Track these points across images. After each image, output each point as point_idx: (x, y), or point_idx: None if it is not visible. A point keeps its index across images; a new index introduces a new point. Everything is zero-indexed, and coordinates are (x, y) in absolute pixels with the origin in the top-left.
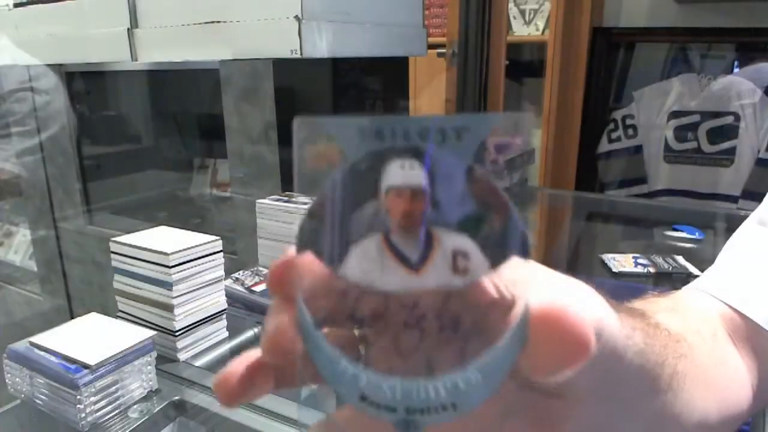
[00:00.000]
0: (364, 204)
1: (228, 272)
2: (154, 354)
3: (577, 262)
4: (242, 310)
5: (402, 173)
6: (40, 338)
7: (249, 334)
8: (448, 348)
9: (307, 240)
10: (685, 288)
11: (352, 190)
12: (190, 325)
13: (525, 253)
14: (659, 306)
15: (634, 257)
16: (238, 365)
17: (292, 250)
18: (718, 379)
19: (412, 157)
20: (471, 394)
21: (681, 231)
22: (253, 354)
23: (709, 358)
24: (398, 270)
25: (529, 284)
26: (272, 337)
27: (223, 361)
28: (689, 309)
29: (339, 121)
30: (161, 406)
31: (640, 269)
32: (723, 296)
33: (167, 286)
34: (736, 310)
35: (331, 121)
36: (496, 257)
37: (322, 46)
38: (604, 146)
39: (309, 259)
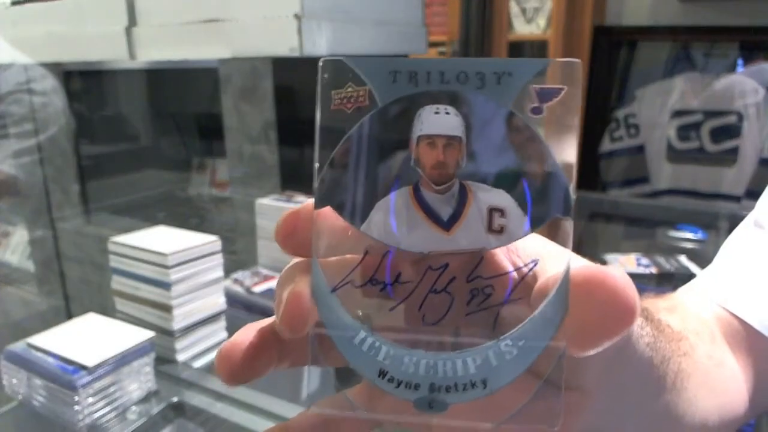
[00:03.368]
0: (393, 153)
1: (227, 272)
2: (153, 355)
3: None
4: (241, 310)
5: (436, 119)
6: (37, 339)
7: None
8: (479, 318)
9: (327, 192)
10: (680, 290)
11: (380, 137)
12: (189, 325)
13: (567, 212)
14: (657, 306)
15: (636, 257)
16: (243, 336)
17: (309, 202)
18: (717, 381)
19: (448, 103)
20: (504, 370)
21: (684, 231)
22: (258, 324)
23: (708, 360)
24: (428, 228)
25: (564, 253)
26: (288, 304)
27: None
28: (687, 311)
29: (370, 62)
30: (160, 408)
31: (642, 269)
32: (721, 300)
33: (166, 286)
34: (733, 315)
35: (361, 61)
36: (537, 215)
37: (321, 44)
38: (606, 145)
39: (328, 213)
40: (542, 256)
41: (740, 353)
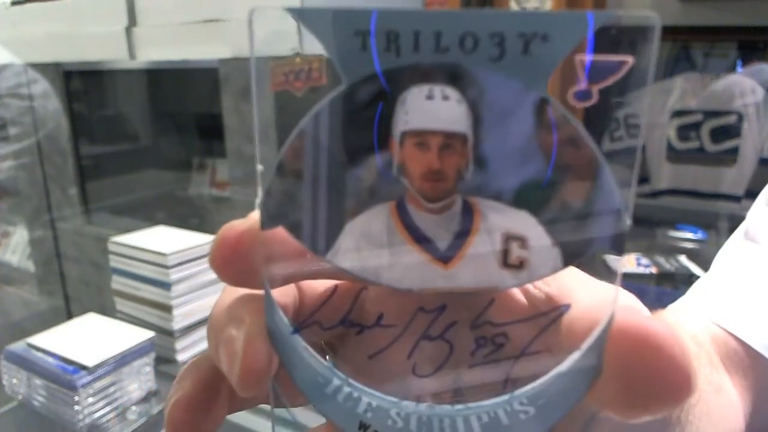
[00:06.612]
0: (364, 156)
1: None
2: (153, 355)
3: (578, 263)
4: None
5: (429, 107)
6: (37, 339)
7: None
8: (487, 370)
9: (276, 209)
10: (669, 308)
11: (346, 133)
12: (189, 325)
13: (617, 247)
14: None
15: (636, 257)
16: (189, 391)
17: (254, 215)
18: (716, 409)
19: (446, 82)
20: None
21: (684, 231)
22: (199, 369)
23: (708, 386)
24: (417, 257)
25: (605, 293)
26: (246, 357)
27: None
28: (681, 331)
29: (326, 15)
30: (160, 408)
31: (642, 269)
32: (718, 319)
33: (166, 286)
34: (731, 334)
35: (314, 13)
36: (573, 249)
37: None
38: (606, 145)
39: (281, 233)
40: (573, 291)
41: (737, 375)
